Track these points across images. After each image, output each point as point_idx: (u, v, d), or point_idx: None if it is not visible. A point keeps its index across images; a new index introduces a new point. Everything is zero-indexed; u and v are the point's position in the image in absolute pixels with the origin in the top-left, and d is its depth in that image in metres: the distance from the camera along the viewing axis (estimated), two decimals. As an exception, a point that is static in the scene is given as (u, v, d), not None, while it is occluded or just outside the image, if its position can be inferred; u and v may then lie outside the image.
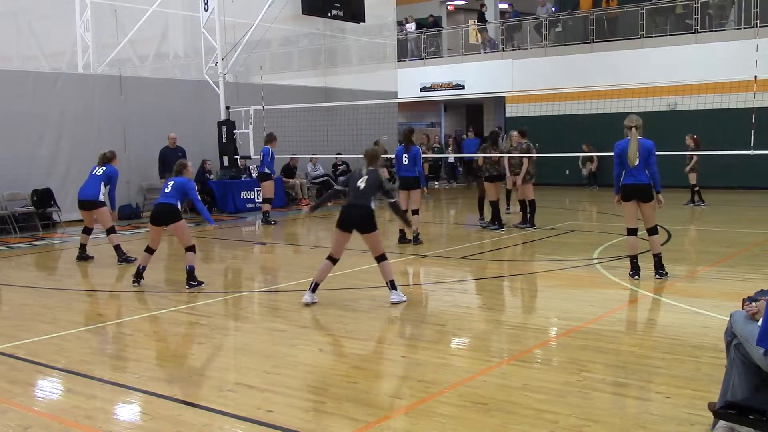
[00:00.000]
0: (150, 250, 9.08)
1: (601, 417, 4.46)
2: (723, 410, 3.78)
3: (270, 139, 15.43)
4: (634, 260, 8.60)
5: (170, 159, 16.55)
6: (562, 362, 5.65)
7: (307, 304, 7.60)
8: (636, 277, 8.48)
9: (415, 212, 11.85)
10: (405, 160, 11.84)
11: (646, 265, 8.65)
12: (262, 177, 15.61)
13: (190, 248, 8.86)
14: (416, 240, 11.77)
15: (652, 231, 8.51)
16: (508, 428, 4.35)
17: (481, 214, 13.77)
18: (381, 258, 7.69)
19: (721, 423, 3.95)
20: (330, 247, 7.80)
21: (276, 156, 16.37)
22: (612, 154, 8.55)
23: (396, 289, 7.70)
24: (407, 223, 8.81)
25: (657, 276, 8.48)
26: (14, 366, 5.86)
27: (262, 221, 15.22)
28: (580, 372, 5.30)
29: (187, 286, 8.65)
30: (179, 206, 8.91)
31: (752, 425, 3.63)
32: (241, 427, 4.52)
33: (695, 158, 16.30)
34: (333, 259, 7.70)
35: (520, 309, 7.53)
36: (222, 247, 12.39)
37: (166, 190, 8.91)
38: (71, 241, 13.29)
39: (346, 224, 7.61)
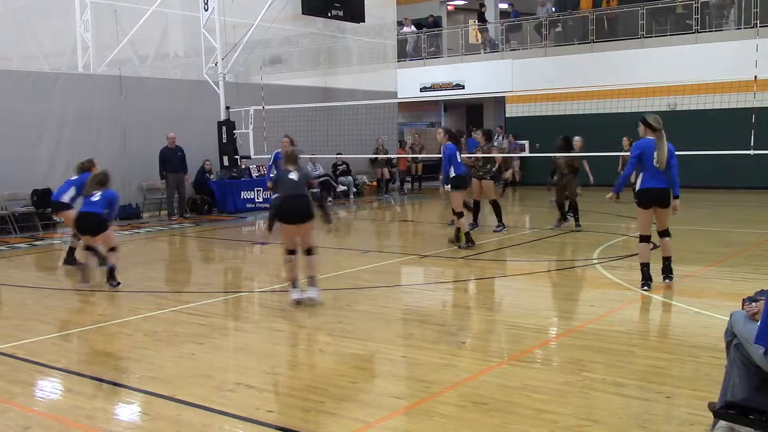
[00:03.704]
0: (91, 248, 9.18)
1: (601, 417, 4.46)
2: (723, 410, 3.78)
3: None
4: (646, 269, 8.05)
5: (170, 159, 16.59)
6: (562, 362, 5.65)
7: (299, 302, 7.62)
8: (646, 288, 7.92)
9: (461, 214, 11.36)
10: (458, 158, 11.63)
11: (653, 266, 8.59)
12: None
13: (113, 249, 9.11)
14: (467, 239, 11.32)
15: (666, 233, 8.14)
16: (508, 428, 4.35)
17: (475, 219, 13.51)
18: (311, 251, 7.76)
19: (721, 423, 3.94)
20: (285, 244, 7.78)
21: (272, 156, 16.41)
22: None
23: (316, 287, 7.75)
24: (328, 216, 8.96)
25: (666, 280, 8.15)
26: (14, 366, 5.86)
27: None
28: (580, 372, 5.30)
29: (108, 285, 8.85)
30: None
31: (752, 425, 3.63)
32: (241, 427, 4.52)
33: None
34: (292, 252, 7.74)
35: (520, 309, 7.53)
36: (222, 247, 12.39)
37: (94, 200, 9.01)
38: (71, 242, 13.28)
39: (292, 216, 7.62)
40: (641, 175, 7.94)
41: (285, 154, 8.20)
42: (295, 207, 7.63)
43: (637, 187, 8.04)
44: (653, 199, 7.88)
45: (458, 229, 11.46)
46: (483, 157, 13.12)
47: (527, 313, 7.34)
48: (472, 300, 8.24)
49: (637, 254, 8.27)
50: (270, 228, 7.93)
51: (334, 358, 5.94)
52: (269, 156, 17.61)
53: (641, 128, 7.99)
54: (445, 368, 5.53)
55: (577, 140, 13.55)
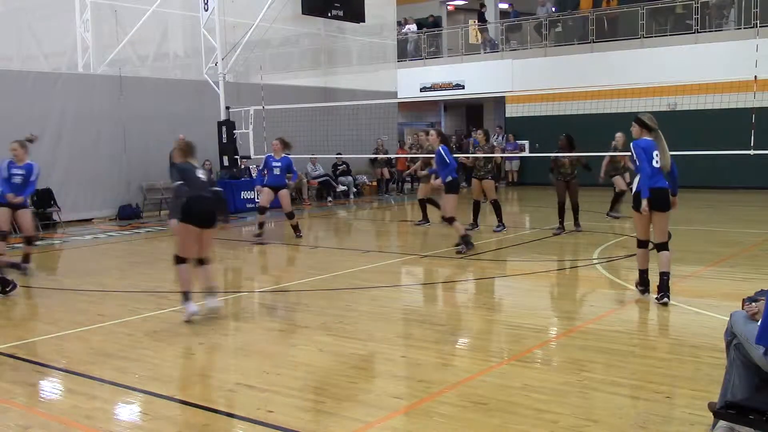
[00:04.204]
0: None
1: (601, 417, 4.46)
2: (723, 410, 3.78)
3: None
4: (645, 275, 7.71)
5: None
6: (562, 362, 5.65)
7: (195, 314, 7.09)
8: (647, 293, 7.68)
9: (452, 219, 11.01)
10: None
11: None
12: None
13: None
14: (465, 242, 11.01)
15: (664, 246, 7.57)
16: (508, 428, 4.35)
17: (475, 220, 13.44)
18: (206, 261, 7.42)
19: (721, 423, 3.94)
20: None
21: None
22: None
23: (215, 296, 7.36)
24: (226, 216, 8.52)
25: (664, 299, 7.33)
26: (14, 366, 5.86)
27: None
28: (580, 372, 5.30)
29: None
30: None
31: (752, 425, 3.63)
32: (241, 427, 4.52)
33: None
34: (186, 261, 7.28)
35: (520, 309, 7.53)
36: (222, 247, 12.35)
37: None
38: (71, 241, 13.30)
39: (200, 218, 7.19)
40: (638, 177, 7.61)
41: (184, 146, 7.58)
42: (204, 209, 7.24)
43: (635, 188, 7.67)
44: (655, 201, 7.46)
45: (465, 236, 10.99)
46: (483, 157, 13.12)
47: (527, 313, 7.34)
48: (472, 300, 8.24)
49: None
50: (174, 216, 7.28)
51: (334, 358, 5.94)
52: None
53: (635, 128, 7.58)
54: (445, 368, 5.54)
55: (619, 136, 13.80)
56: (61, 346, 6.50)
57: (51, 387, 5.57)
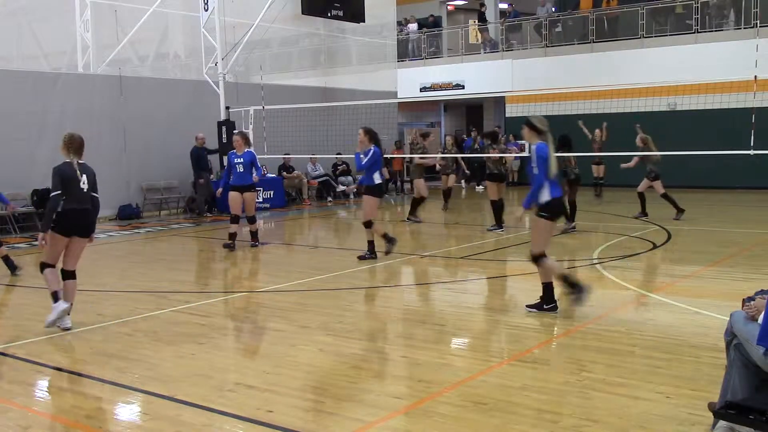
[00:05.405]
0: None
1: (601, 417, 4.46)
2: (723, 410, 3.78)
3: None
4: (551, 288, 7.14)
5: (202, 158, 16.89)
6: (562, 362, 5.65)
7: (53, 323, 6.78)
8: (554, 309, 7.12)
9: (370, 224, 10.53)
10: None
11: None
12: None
13: None
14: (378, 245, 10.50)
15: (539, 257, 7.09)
16: (508, 428, 4.35)
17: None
18: (73, 275, 6.96)
19: (721, 423, 3.94)
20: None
21: (271, 156, 16.36)
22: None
23: (68, 315, 6.83)
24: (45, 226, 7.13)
25: (531, 309, 7.12)
26: (14, 366, 5.86)
27: None
28: (580, 372, 5.30)
29: None
30: None
31: (752, 425, 3.63)
32: (241, 427, 4.52)
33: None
34: (52, 266, 6.93)
35: (520, 309, 7.53)
36: (222, 247, 12.34)
37: None
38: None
39: (72, 229, 6.83)
40: (547, 185, 6.91)
41: (68, 140, 7.13)
42: (78, 223, 6.86)
43: (546, 198, 6.93)
44: (563, 209, 7.07)
45: (386, 234, 10.47)
46: (497, 157, 13.39)
47: (527, 313, 7.34)
48: (471, 300, 8.23)
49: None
50: (45, 228, 6.76)
51: (334, 358, 5.94)
52: (268, 156, 17.67)
53: (526, 131, 7.15)
54: (445, 368, 5.54)
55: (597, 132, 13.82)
56: (61, 346, 6.50)
57: (51, 387, 5.56)
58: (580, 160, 14.41)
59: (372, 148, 10.21)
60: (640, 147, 14.05)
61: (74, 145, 7.08)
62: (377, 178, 10.31)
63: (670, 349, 5.85)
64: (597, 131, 18.01)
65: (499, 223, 13.20)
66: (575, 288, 7.03)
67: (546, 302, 7.12)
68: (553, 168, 6.88)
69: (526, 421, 4.43)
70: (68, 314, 6.86)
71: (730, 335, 4.12)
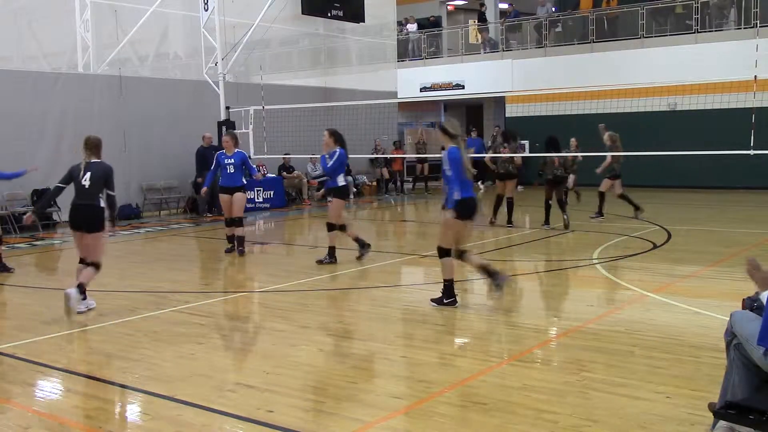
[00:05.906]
0: None
1: (601, 417, 4.46)
2: (723, 410, 3.78)
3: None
4: (451, 284, 7.46)
5: (208, 157, 16.76)
6: (562, 362, 5.65)
7: (80, 312, 7.40)
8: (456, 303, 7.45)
9: (333, 226, 10.53)
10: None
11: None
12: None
13: None
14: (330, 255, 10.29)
15: (462, 253, 7.49)
16: (508, 428, 4.35)
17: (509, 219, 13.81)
18: (97, 265, 7.59)
19: (721, 423, 3.94)
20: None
21: (271, 156, 16.34)
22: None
23: (82, 294, 7.43)
24: (113, 220, 7.86)
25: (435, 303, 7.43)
26: (14, 366, 5.86)
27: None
28: (580, 372, 5.30)
29: None
30: None
31: (752, 425, 3.63)
32: (241, 427, 4.51)
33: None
34: (83, 261, 7.64)
35: (520, 309, 7.53)
36: (222, 247, 12.35)
37: None
38: (72, 241, 13.27)
39: (74, 223, 7.57)
40: (458, 186, 7.14)
41: (85, 140, 7.69)
42: (76, 216, 7.52)
43: (456, 197, 7.16)
44: (474, 209, 7.31)
45: (333, 248, 10.24)
46: (507, 156, 13.67)
47: (527, 313, 7.34)
48: (472, 300, 8.23)
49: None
50: (38, 210, 7.61)
51: (334, 358, 5.94)
52: (268, 156, 17.68)
53: (439, 135, 7.33)
54: (445, 368, 5.53)
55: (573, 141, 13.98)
56: (61, 346, 6.50)
57: (51, 387, 5.56)
58: (581, 161, 14.44)
59: (337, 150, 10.03)
60: (609, 146, 14.06)
61: (87, 144, 7.64)
62: (341, 180, 10.21)
63: (670, 349, 5.85)
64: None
65: (510, 221, 13.66)
66: (495, 276, 7.38)
67: (446, 296, 7.47)
68: (469, 169, 7.17)
69: (526, 421, 4.43)
70: (83, 296, 7.42)
71: (730, 335, 4.12)
